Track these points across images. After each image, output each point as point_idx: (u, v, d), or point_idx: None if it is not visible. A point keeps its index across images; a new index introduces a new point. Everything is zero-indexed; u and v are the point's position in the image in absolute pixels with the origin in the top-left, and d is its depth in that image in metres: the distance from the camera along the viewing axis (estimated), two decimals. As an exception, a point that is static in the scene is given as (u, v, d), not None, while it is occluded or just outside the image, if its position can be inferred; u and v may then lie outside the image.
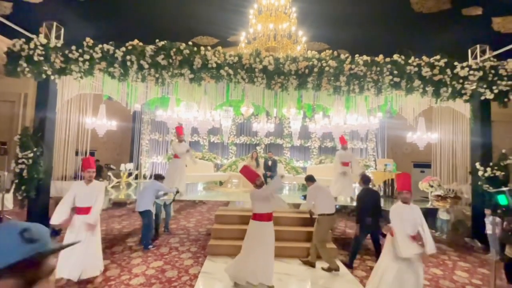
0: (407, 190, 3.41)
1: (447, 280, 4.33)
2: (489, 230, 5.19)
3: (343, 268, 4.53)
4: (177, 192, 6.11)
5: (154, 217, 5.62)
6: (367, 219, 4.55)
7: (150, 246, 5.20)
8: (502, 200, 2.20)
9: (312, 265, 4.55)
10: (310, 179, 4.83)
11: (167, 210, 6.31)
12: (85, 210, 3.80)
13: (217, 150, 12.03)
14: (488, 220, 5.17)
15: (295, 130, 9.65)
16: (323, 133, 10.16)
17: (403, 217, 3.28)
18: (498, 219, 3.40)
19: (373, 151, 11.92)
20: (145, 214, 5.24)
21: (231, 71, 5.79)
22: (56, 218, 3.73)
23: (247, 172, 4.02)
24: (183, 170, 6.99)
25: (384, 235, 5.24)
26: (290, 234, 5.24)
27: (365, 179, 5.02)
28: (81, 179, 4.20)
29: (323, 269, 4.44)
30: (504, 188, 2.25)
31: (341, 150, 7.00)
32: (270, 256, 3.74)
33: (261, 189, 3.80)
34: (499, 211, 3.10)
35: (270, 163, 8.77)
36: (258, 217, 3.76)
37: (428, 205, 6.61)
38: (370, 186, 5.45)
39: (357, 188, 6.90)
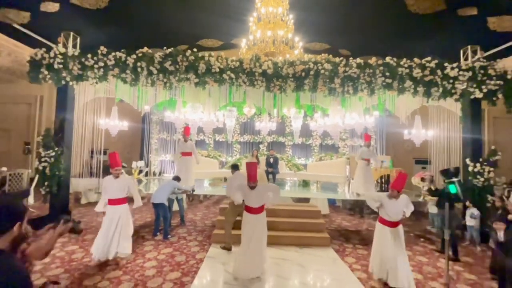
0: (398, 191, 3.77)
1: (430, 266, 4.72)
2: (470, 222, 5.57)
3: (334, 254, 4.99)
4: (193, 190, 6.89)
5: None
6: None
7: (169, 236, 5.73)
8: (452, 189, 2.60)
9: (229, 249, 5.01)
10: (233, 167, 5.33)
11: (180, 204, 6.85)
12: (115, 201, 4.50)
13: (222, 148, 12.53)
14: (472, 213, 5.55)
15: (296, 129, 10.02)
16: (324, 131, 10.54)
17: (386, 207, 3.75)
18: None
19: (373, 149, 12.20)
20: (159, 206, 5.76)
21: (233, 75, 6.23)
22: (99, 206, 4.62)
23: (252, 169, 4.07)
24: (190, 167, 7.50)
25: None
26: (288, 224, 5.73)
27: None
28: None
29: (220, 247, 5.09)
30: (454, 179, 2.65)
31: (363, 147, 7.41)
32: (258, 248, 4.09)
33: (254, 190, 4.09)
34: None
35: (271, 160, 9.23)
36: (247, 209, 4.18)
37: (420, 199, 6.96)
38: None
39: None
